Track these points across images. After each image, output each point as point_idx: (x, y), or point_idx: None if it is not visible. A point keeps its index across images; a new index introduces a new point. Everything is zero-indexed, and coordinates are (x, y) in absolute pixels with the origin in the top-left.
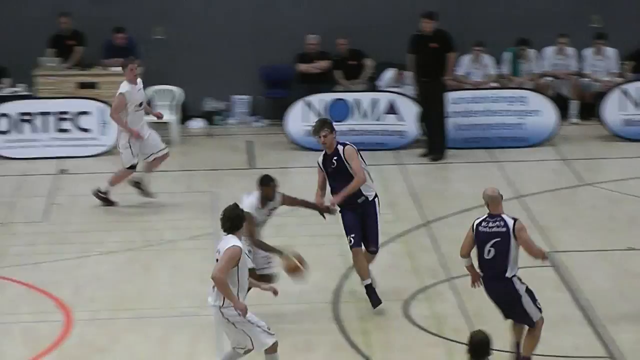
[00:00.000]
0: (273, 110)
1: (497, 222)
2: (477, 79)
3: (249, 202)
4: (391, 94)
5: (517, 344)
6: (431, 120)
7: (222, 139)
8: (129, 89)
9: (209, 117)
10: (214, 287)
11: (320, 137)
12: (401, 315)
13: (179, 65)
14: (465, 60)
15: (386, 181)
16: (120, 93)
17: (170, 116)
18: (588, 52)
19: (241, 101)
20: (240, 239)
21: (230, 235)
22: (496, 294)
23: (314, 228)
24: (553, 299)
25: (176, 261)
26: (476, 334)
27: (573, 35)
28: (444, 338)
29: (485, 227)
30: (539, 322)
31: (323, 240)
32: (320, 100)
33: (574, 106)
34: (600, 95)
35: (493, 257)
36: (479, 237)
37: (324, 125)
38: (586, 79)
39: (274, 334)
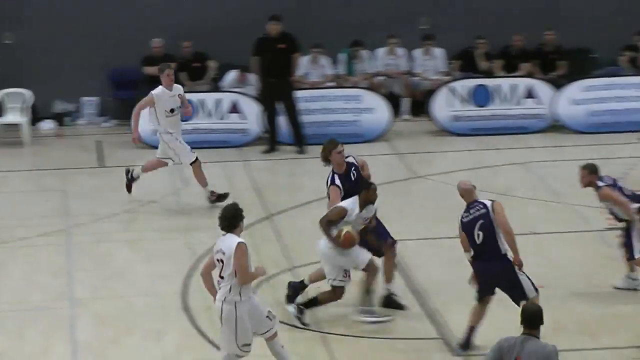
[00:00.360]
0: (121, 111)
1: (476, 207)
2: (315, 79)
3: (352, 201)
4: (234, 94)
5: (472, 328)
6: (275, 118)
7: (72, 139)
8: (161, 92)
9: (59, 118)
10: (219, 283)
11: (339, 153)
12: None
13: (28, 69)
14: (304, 61)
15: (230, 177)
16: (151, 93)
17: (20, 118)
18: (417, 52)
19: (90, 102)
20: (239, 236)
21: (229, 234)
22: (494, 274)
23: (161, 223)
24: None
25: (29, 257)
26: (528, 306)
27: (403, 37)
28: (287, 324)
29: (467, 216)
30: (535, 300)
31: (170, 234)
32: None
33: (405, 103)
34: (430, 93)
35: (483, 240)
36: (466, 228)
37: (337, 142)
38: (416, 78)
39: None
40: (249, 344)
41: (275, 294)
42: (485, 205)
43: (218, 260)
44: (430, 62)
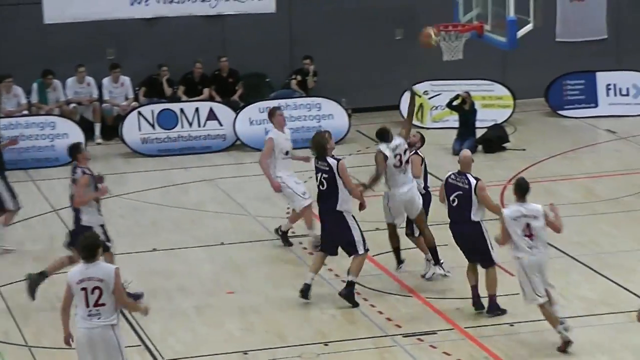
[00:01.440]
0: None
1: (462, 179)
2: (11, 108)
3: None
4: None
5: (474, 287)
6: None
7: None
8: (277, 135)
9: None
10: (93, 313)
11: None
12: None
13: None
14: None
15: None
16: (270, 137)
17: None
18: (106, 80)
19: None
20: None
21: (97, 262)
22: (461, 235)
23: None
24: None
25: None
26: None
27: (91, 66)
28: None
29: (453, 179)
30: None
31: None
32: None
33: (97, 128)
34: (120, 118)
35: (457, 204)
36: (447, 187)
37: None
38: (106, 104)
39: None
40: None
41: None
42: (469, 182)
43: (92, 288)
44: (119, 89)
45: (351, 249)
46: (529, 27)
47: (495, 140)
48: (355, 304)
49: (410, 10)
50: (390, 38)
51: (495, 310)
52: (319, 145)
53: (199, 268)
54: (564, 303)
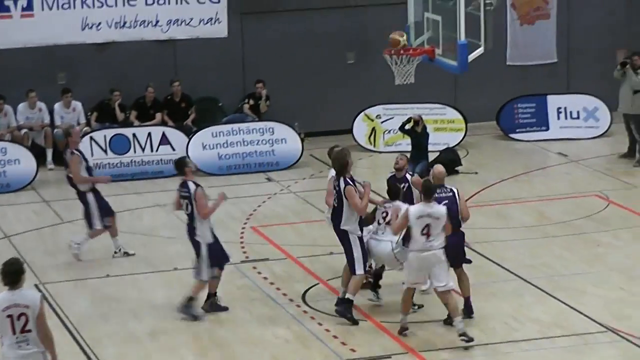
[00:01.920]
0: None
1: (443, 190)
2: None
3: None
4: None
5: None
6: None
7: None
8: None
9: None
10: (21, 340)
11: None
12: None
13: None
14: None
15: None
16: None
17: None
18: (58, 105)
19: None
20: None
21: (22, 289)
22: (449, 244)
23: None
24: None
25: None
26: None
27: (43, 91)
28: None
29: (437, 194)
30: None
31: None
32: None
33: (49, 154)
34: None
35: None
36: None
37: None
38: (58, 130)
39: None
40: None
41: None
42: (451, 190)
43: (18, 315)
44: (70, 114)
45: (351, 268)
46: (479, 50)
47: (447, 163)
48: (353, 322)
49: (362, 34)
50: (343, 62)
51: (470, 312)
52: (340, 163)
53: (153, 293)
54: (517, 326)
